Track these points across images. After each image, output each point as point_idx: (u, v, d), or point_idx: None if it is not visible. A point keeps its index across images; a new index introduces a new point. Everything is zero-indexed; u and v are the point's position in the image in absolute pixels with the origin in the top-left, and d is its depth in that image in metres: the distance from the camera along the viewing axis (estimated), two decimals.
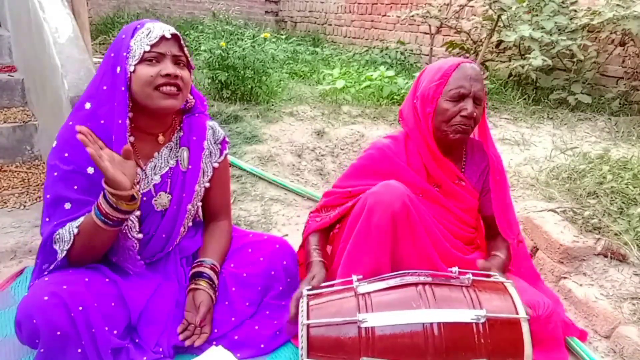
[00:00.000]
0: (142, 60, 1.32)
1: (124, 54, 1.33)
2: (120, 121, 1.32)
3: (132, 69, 1.32)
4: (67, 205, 1.32)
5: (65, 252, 1.28)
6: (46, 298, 1.18)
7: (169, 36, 1.34)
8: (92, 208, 1.27)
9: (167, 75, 1.32)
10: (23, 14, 2.69)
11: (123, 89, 1.32)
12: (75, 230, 1.28)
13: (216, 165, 1.59)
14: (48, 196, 1.34)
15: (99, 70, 1.39)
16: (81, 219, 1.29)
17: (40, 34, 2.29)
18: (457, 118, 1.53)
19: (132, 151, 1.28)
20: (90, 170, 1.33)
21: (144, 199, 1.43)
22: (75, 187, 1.33)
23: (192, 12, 7.83)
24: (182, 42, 1.38)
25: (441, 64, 1.59)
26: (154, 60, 1.33)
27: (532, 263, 1.77)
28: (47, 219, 1.34)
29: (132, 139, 1.39)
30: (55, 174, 1.33)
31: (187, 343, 1.38)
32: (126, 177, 1.24)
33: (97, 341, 1.23)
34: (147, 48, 1.32)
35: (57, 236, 1.29)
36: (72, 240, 1.28)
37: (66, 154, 1.33)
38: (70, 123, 1.35)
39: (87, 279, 1.29)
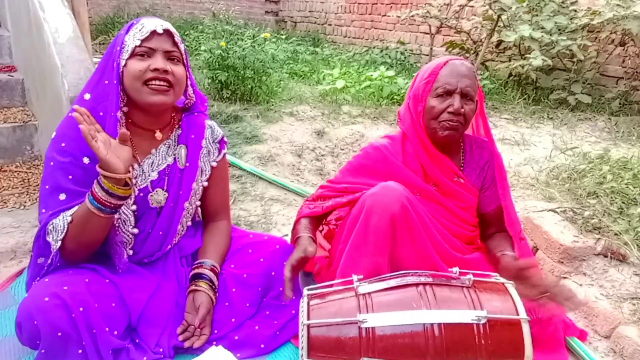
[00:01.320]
0: (133, 54, 1.33)
1: (118, 48, 1.35)
2: (112, 114, 1.33)
3: (123, 63, 1.33)
4: (62, 196, 1.32)
5: (59, 242, 1.27)
6: (47, 299, 1.18)
7: (160, 31, 1.34)
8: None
9: (156, 70, 1.33)
10: (23, 14, 2.69)
11: (115, 82, 1.34)
12: (69, 219, 1.28)
13: (214, 164, 1.59)
14: (47, 187, 1.34)
15: (100, 64, 1.40)
16: (75, 208, 1.29)
17: (40, 34, 2.29)
18: (445, 115, 1.54)
19: (128, 136, 1.27)
20: (86, 160, 1.33)
21: (141, 194, 1.43)
22: (70, 177, 1.33)
23: (192, 12, 7.82)
24: (175, 37, 1.39)
25: (432, 63, 1.62)
26: (145, 55, 1.34)
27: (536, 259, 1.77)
28: (44, 210, 1.34)
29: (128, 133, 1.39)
30: (52, 164, 1.34)
31: (187, 344, 1.38)
32: (120, 161, 1.24)
33: (98, 342, 1.23)
34: (138, 42, 1.33)
35: (51, 226, 1.29)
36: (65, 228, 1.27)
37: (63, 144, 1.34)
38: (70, 115, 1.35)
39: (87, 280, 1.29)
